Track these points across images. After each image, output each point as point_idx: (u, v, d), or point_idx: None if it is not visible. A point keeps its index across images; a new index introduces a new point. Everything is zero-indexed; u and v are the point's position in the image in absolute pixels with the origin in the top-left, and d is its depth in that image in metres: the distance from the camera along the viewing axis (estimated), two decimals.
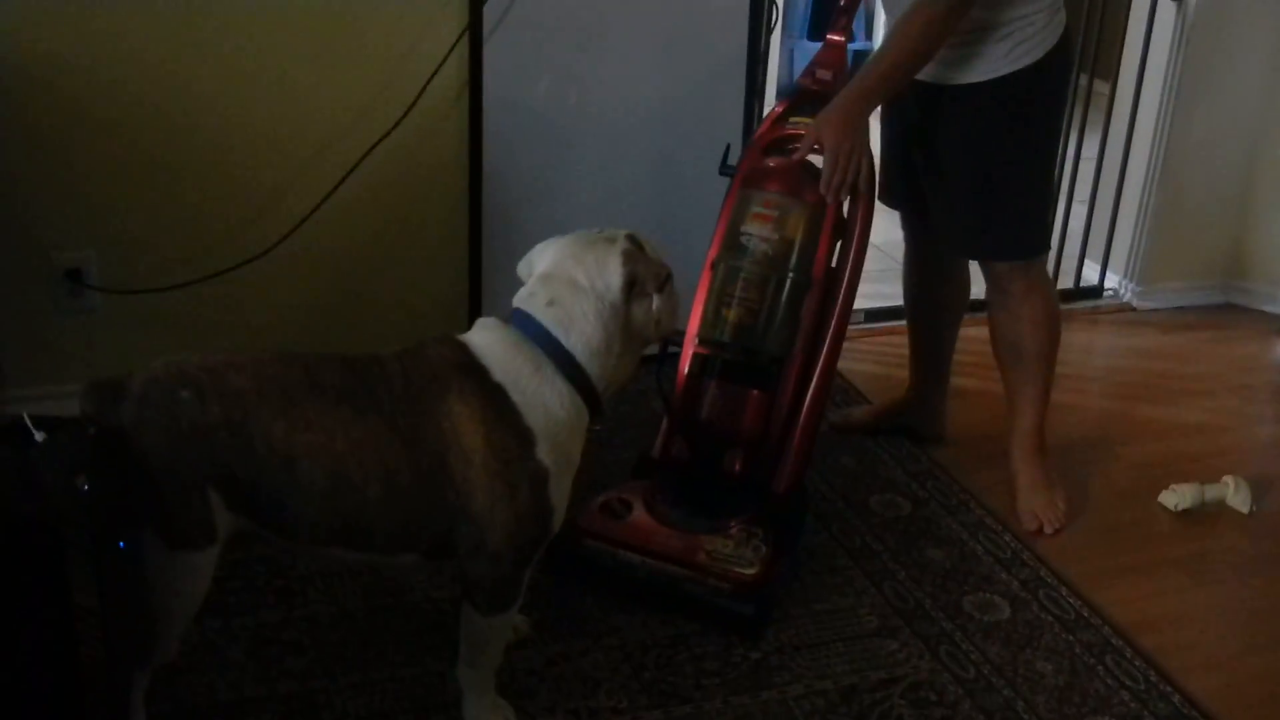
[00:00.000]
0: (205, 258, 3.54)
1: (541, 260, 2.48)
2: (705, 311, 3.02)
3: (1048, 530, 3.38)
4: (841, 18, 3.26)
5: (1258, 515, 3.53)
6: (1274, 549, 3.42)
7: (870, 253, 3.09)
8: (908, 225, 3.60)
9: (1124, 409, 4.12)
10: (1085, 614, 3.04)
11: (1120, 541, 3.39)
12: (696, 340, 3.02)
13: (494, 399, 2.30)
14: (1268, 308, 4.83)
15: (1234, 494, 3.53)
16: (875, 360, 4.23)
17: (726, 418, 2.97)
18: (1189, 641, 3.02)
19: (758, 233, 2.98)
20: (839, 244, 3.06)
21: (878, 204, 3.15)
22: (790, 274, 2.97)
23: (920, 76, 3.13)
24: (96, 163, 3.42)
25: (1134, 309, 4.86)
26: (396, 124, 3.56)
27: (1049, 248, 3.42)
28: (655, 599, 2.90)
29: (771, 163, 3.08)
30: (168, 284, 3.51)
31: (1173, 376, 4.37)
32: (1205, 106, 4.70)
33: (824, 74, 3.19)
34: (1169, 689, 2.82)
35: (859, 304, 4.43)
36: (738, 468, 2.98)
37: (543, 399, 2.33)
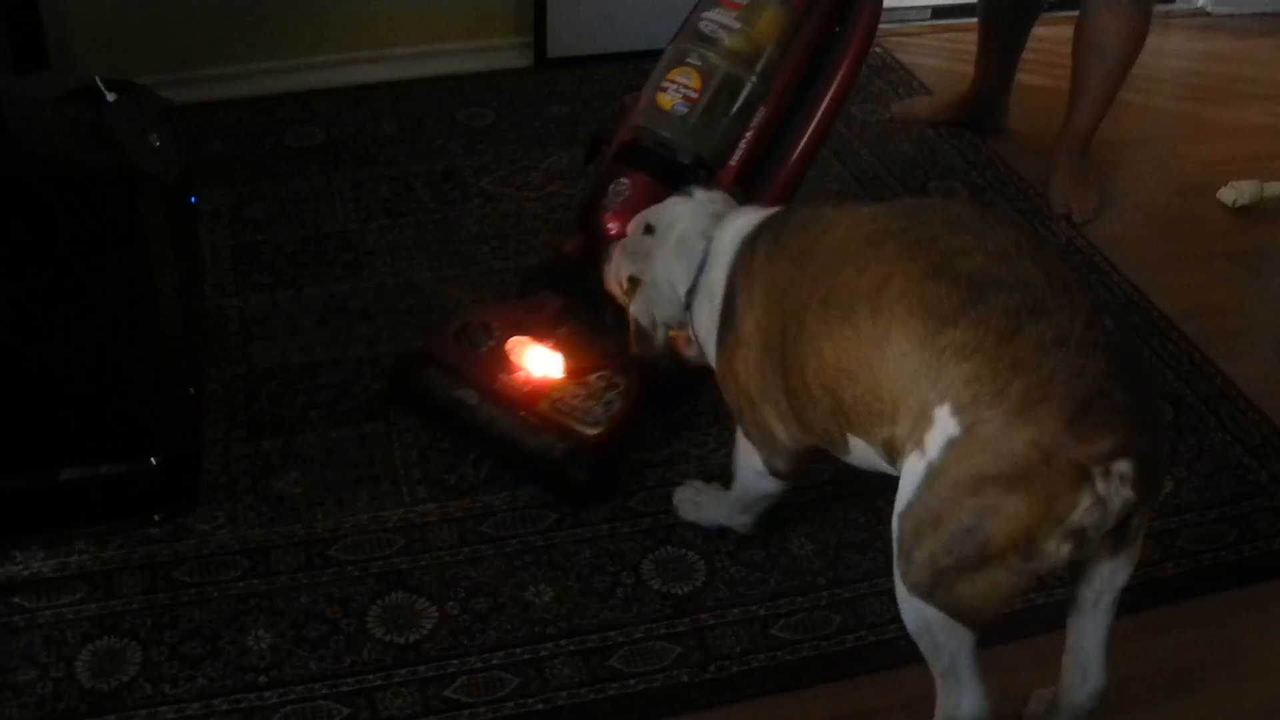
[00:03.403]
0: None
1: None
2: (642, 97, 2.70)
3: (1076, 219, 3.40)
4: None
5: None
6: None
7: None
8: None
9: (1190, 110, 4.09)
10: (1135, 299, 3.09)
11: (1176, 234, 3.42)
12: (630, 128, 2.70)
13: None
14: None
15: None
16: (939, 55, 4.19)
17: (629, 213, 2.46)
18: (1236, 330, 3.08)
19: (719, 20, 2.63)
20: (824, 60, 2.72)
21: None
22: (747, 75, 2.62)
23: None
24: None
25: (1208, 14, 4.76)
26: None
27: None
28: (490, 446, 2.53)
29: None
30: None
31: (1243, 80, 4.31)
32: None
33: None
34: (1212, 371, 2.89)
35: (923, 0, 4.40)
36: None
37: None
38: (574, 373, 2.52)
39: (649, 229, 2.27)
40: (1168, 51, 4.42)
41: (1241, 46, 4.56)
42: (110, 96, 2.32)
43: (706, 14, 2.63)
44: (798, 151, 2.68)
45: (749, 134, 2.62)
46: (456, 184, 3.34)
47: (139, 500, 2.37)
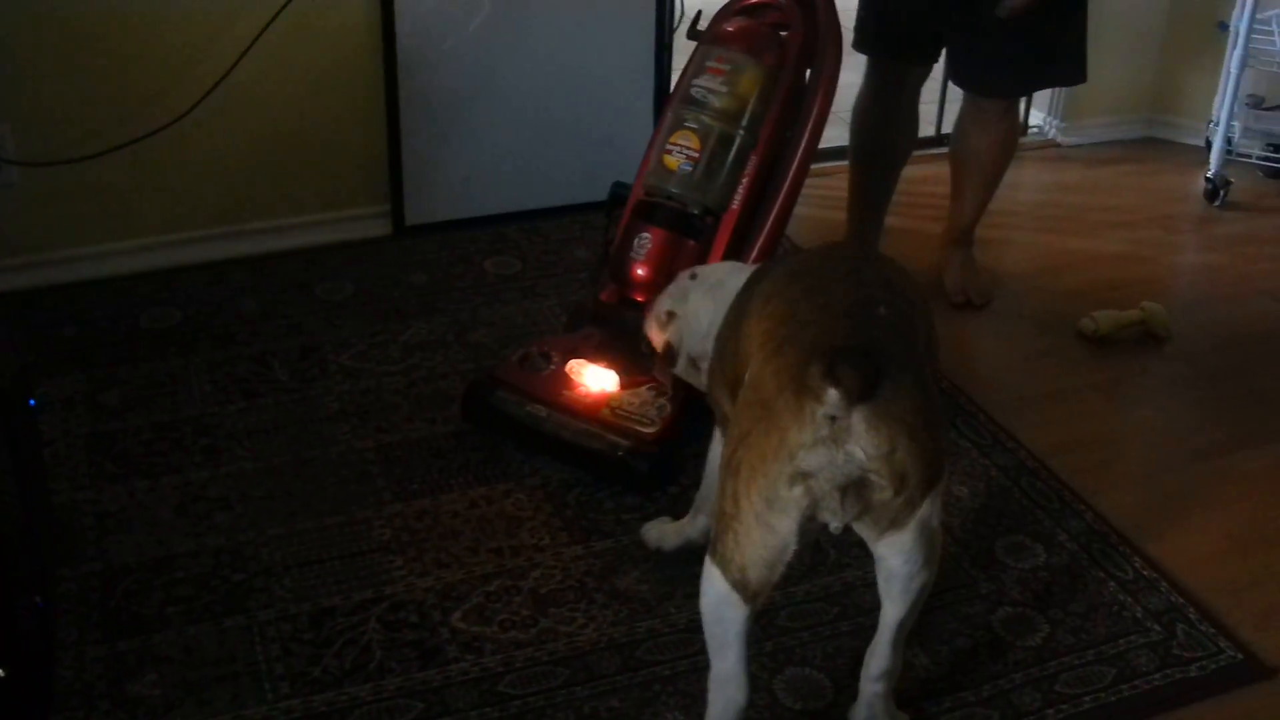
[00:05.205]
0: (122, 126, 3.52)
1: None
2: (650, 159, 3.10)
3: (976, 302, 3.68)
4: None
5: (1173, 340, 3.58)
6: (1186, 371, 3.49)
7: None
8: (885, 71, 3.65)
9: (1047, 242, 4.16)
10: (1002, 439, 3.10)
11: (1038, 369, 3.46)
12: (643, 187, 3.10)
13: None
14: (1189, 140, 4.83)
15: (1150, 319, 3.57)
16: (802, 201, 4.22)
17: (653, 262, 3.00)
18: (1102, 462, 3.10)
19: (707, 85, 3.03)
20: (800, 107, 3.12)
21: None
22: (736, 131, 3.03)
23: None
24: (6, 34, 3.37)
25: (1058, 145, 4.88)
26: None
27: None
28: (560, 451, 2.93)
29: (732, 25, 3.13)
30: (86, 154, 3.49)
31: (1096, 209, 4.41)
32: None
33: None
34: (1081, 507, 2.90)
35: None
36: None
37: None
38: (627, 385, 2.96)
39: (694, 276, 2.61)
40: (1022, 185, 4.50)
41: (1092, 176, 4.68)
42: None
43: (696, 81, 3.05)
44: (785, 189, 3.10)
45: (744, 180, 3.05)
46: (315, 361, 3.30)
47: None
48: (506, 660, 2.45)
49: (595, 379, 2.97)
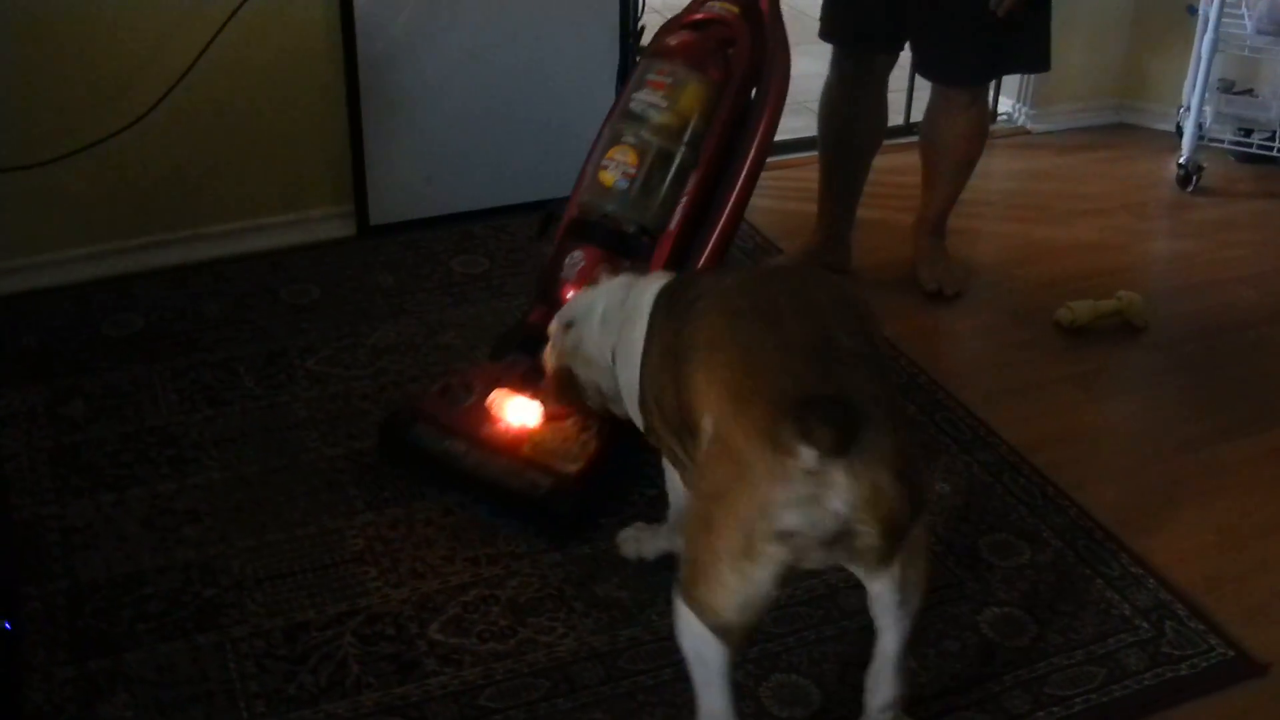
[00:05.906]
0: (78, 130, 3.43)
1: None
2: (585, 175, 2.97)
3: (948, 292, 3.64)
4: None
5: (1150, 329, 3.55)
6: (1166, 362, 3.46)
7: None
8: (851, 60, 3.60)
9: (1020, 231, 4.13)
10: (982, 434, 3.07)
11: (1016, 362, 3.42)
12: (577, 205, 2.97)
13: None
14: (1160, 126, 4.81)
15: (1128, 309, 3.54)
16: (769, 195, 4.18)
17: (585, 283, 2.78)
18: (1084, 456, 3.06)
19: (648, 100, 2.90)
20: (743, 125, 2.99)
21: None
22: (676, 148, 2.89)
23: None
24: None
25: (1029, 132, 4.85)
26: None
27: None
28: (479, 490, 2.78)
29: (676, 39, 3.00)
30: (42, 159, 3.40)
31: (1068, 197, 4.38)
32: None
33: None
34: (1065, 502, 2.86)
35: None
36: None
37: None
38: (551, 418, 2.77)
39: (569, 325, 2.51)
40: (993, 173, 4.47)
41: (1063, 163, 4.65)
42: None
43: (636, 95, 2.92)
44: (728, 209, 2.92)
45: (684, 199, 2.88)
46: (282, 367, 3.23)
47: None
48: (486, 672, 2.40)
49: (517, 412, 2.81)
